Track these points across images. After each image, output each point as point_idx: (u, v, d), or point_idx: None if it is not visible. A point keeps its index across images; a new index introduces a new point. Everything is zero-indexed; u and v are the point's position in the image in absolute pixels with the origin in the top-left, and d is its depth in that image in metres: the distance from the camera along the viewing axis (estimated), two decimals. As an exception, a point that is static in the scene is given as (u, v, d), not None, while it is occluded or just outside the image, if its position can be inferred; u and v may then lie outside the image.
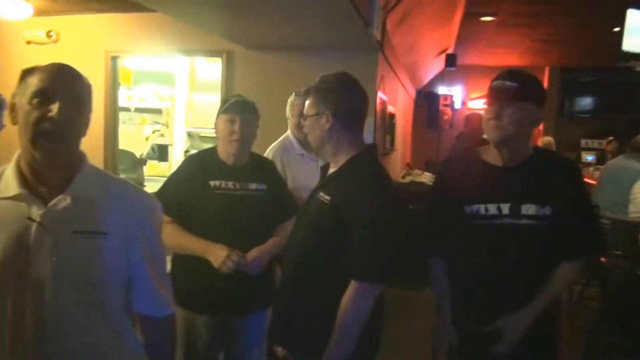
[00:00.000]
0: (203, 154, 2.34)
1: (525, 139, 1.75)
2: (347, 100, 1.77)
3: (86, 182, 1.28)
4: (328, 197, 1.71)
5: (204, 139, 5.29)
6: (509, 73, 1.71)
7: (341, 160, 1.77)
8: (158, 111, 5.32)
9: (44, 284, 1.20)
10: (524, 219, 1.68)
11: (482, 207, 1.72)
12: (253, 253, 2.08)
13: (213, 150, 2.25)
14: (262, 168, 2.30)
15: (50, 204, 1.22)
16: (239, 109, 2.15)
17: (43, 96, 1.19)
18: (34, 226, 1.20)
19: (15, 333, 1.19)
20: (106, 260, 1.27)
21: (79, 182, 1.26)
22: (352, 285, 1.62)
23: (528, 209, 1.68)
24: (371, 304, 1.63)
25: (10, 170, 1.26)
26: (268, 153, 2.67)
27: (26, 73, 1.24)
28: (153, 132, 5.12)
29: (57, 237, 1.21)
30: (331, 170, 1.82)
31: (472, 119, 5.28)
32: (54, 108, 1.18)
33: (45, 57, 4.71)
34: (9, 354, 1.20)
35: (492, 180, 1.76)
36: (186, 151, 5.20)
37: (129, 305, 1.36)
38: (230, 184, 2.16)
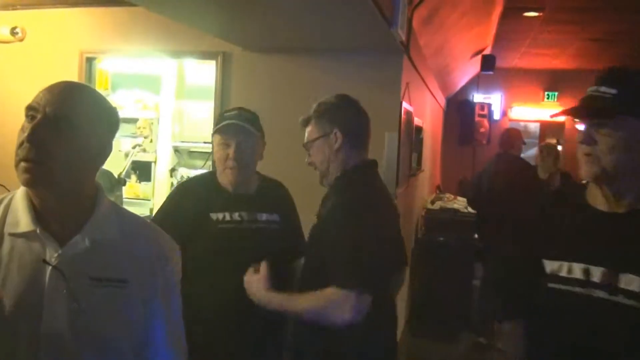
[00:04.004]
0: (199, 180, 2.35)
1: None
2: (353, 117, 2.09)
3: (103, 222, 1.30)
4: (316, 219, 2.04)
5: (193, 154, 5.28)
6: (609, 74, 1.40)
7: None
8: (136, 121, 5.34)
9: (59, 338, 1.20)
10: (621, 295, 1.30)
11: (564, 266, 1.41)
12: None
13: (211, 176, 2.25)
14: (273, 194, 2.30)
15: (67, 245, 1.24)
16: (233, 130, 2.13)
17: (29, 114, 1.22)
18: (48, 270, 1.21)
19: None
20: (127, 313, 1.29)
21: (96, 222, 1.28)
22: (328, 290, 1.83)
23: (630, 282, 1.30)
24: (345, 315, 1.81)
25: (20, 201, 1.27)
26: None
27: None
28: (133, 147, 5.13)
29: (74, 285, 1.22)
30: None
31: (509, 135, 5.29)
32: (27, 128, 1.20)
33: (8, 57, 4.81)
34: None
35: (586, 230, 1.42)
36: (172, 169, 5.21)
37: None
38: (235, 215, 2.15)
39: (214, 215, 2.12)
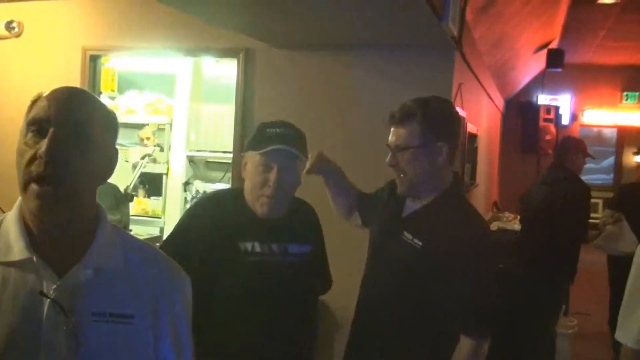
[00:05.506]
0: (224, 197, 2.33)
1: None
2: (459, 132, 2.21)
3: (107, 249, 1.30)
4: (419, 242, 2.05)
5: (210, 165, 5.30)
6: None
7: (430, 197, 2.14)
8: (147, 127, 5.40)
9: None
10: None
11: None
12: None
13: (237, 194, 2.20)
14: (304, 220, 2.28)
15: (67, 275, 1.24)
16: (281, 156, 2.05)
17: (36, 128, 1.21)
18: (46, 304, 1.21)
19: None
20: (133, 352, 1.29)
21: (99, 248, 1.29)
22: (468, 343, 2.02)
23: None
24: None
25: (12, 224, 1.27)
26: None
27: (31, 103, 1.26)
28: (142, 157, 5.17)
29: (75, 321, 1.22)
30: (411, 206, 2.18)
31: (563, 145, 5.06)
32: (43, 144, 1.18)
33: (4, 55, 4.90)
34: None
35: None
36: (186, 183, 5.24)
37: None
38: (265, 247, 2.12)
39: (242, 245, 2.09)
